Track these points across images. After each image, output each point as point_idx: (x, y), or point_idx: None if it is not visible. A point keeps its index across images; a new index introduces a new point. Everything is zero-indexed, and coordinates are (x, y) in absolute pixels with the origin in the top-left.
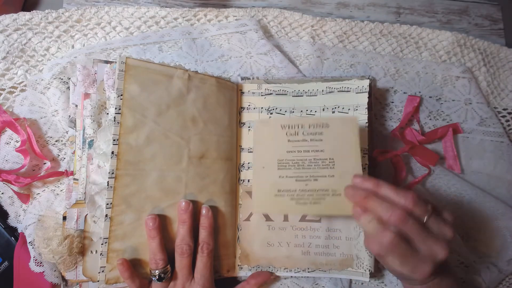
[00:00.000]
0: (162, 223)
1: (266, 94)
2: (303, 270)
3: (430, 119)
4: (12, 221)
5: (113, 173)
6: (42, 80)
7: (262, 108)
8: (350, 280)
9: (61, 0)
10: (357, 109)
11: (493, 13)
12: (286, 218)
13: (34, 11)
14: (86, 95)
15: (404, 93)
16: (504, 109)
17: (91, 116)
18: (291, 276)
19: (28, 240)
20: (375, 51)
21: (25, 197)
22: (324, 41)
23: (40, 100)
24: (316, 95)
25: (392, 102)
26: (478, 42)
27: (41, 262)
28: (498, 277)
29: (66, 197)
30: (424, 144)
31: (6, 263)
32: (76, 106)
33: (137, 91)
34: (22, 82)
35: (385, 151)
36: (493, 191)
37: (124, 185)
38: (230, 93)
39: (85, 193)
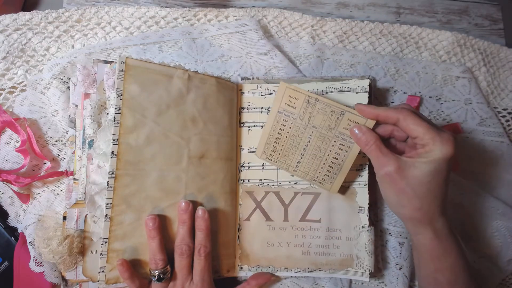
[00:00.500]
0: (162, 223)
1: (266, 94)
2: (303, 270)
3: (430, 119)
4: (12, 221)
5: (113, 173)
6: (42, 80)
7: (262, 108)
8: (350, 280)
9: (61, 0)
10: None
11: (493, 13)
12: (286, 218)
13: (34, 11)
14: (86, 95)
15: (404, 93)
16: (504, 109)
17: (91, 116)
18: (291, 276)
19: (28, 240)
20: (375, 51)
21: (25, 197)
22: (324, 41)
23: (40, 100)
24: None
25: (392, 102)
26: (478, 42)
27: (41, 262)
28: (498, 277)
29: (66, 197)
30: None
31: (6, 263)
32: (76, 106)
33: (137, 91)
34: (22, 82)
35: None
36: (493, 191)
37: (124, 185)
38: (230, 93)
39: (85, 193)
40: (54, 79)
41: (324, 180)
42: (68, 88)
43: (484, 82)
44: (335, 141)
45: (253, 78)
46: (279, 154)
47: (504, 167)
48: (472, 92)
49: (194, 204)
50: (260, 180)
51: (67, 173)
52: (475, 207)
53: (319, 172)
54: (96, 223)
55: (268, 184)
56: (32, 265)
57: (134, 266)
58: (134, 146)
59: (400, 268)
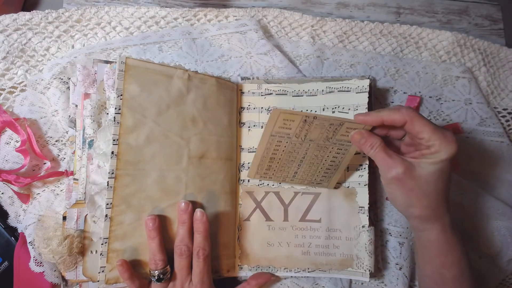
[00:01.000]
0: (162, 224)
1: (266, 94)
2: (303, 270)
3: (430, 119)
4: (12, 221)
5: (113, 173)
6: (42, 80)
7: (262, 108)
8: (350, 280)
9: (61, 0)
10: (357, 109)
11: (493, 13)
12: (286, 218)
13: (34, 11)
14: (86, 95)
15: (404, 93)
16: (504, 109)
17: (91, 116)
18: (291, 276)
19: (28, 240)
20: (375, 51)
21: (25, 197)
22: (324, 41)
23: (40, 100)
24: (316, 95)
25: (392, 102)
26: (478, 42)
27: (41, 262)
28: (498, 277)
29: (66, 197)
30: None
31: (6, 263)
32: (76, 106)
33: (137, 91)
34: (22, 82)
35: None
36: (493, 191)
37: (124, 185)
38: (230, 93)
39: (85, 193)
40: (54, 79)
41: (322, 180)
42: (68, 88)
43: (484, 82)
44: (332, 148)
45: (253, 78)
46: (274, 170)
47: (504, 167)
48: (472, 92)
49: (194, 205)
50: (260, 180)
51: (67, 173)
52: (475, 207)
53: (317, 176)
54: (96, 223)
55: (268, 184)
56: (32, 265)
57: (134, 266)
58: (134, 146)
59: (400, 268)
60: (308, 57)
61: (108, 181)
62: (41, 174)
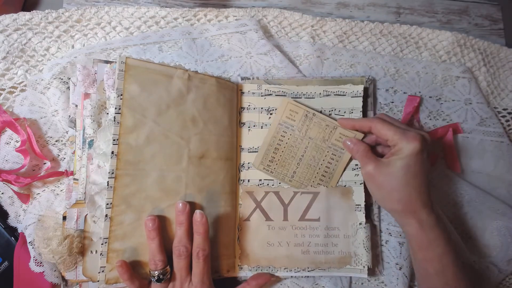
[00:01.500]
0: (162, 224)
1: (266, 95)
2: (302, 270)
3: (430, 119)
4: (12, 221)
5: (113, 173)
6: (42, 80)
7: (262, 108)
8: (350, 281)
9: (61, 0)
10: (352, 112)
11: (493, 13)
12: (286, 217)
13: (34, 11)
14: (86, 95)
15: (404, 93)
16: (504, 109)
17: (91, 116)
18: (291, 276)
19: (28, 240)
20: (375, 51)
21: (25, 197)
22: (324, 41)
23: (40, 100)
24: (314, 98)
25: (392, 102)
26: (478, 42)
27: (41, 262)
28: (498, 277)
29: (66, 197)
30: None
31: (6, 263)
32: (76, 106)
33: (137, 91)
34: (22, 82)
35: None
36: (493, 191)
37: (124, 185)
38: (230, 93)
39: (85, 193)
40: (54, 79)
41: (319, 185)
42: (68, 88)
43: (484, 82)
44: (328, 151)
45: (253, 78)
46: (276, 164)
47: (504, 167)
48: (472, 92)
49: (194, 205)
50: (260, 180)
51: (67, 173)
52: (475, 207)
53: (313, 181)
54: (96, 223)
55: (268, 184)
56: (32, 265)
57: (134, 267)
58: (134, 146)
59: (400, 268)
60: (308, 57)
61: (108, 181)
62: (41, 174)
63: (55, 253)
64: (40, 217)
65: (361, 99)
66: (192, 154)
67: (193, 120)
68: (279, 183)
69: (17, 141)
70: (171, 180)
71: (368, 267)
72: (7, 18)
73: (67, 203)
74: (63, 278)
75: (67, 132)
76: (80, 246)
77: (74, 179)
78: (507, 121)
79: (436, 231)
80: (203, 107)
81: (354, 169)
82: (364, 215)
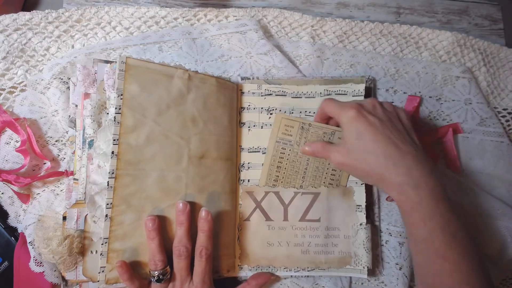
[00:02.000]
0: (162, 224)
1: (266, 95)
2: (302, 269)
3: (430, 119)
4: (12, 221)
5: (113, 173)
6: (42, 80)
7: (262, 108)
8: (350, 281)
9: (61, 0)
10: None
11: (493, 13)
12: (286, 218)
13: (34, 11)
14: (86, 95)
15: (404, 93)
16: (504, 109)
17: (91, 116)
18: (291, 276)
19: (28, 240)
20: (375, 51)
21: (25, 197)
22: (324, 41)
23: (40, 100)
24: (314, 97)
25: (392, 102)
26: (478, 42)
27: (41, 262)
28: (498, 277)
29: (66, 197)
30: (424, 144)
31: (6, 263)
32: (76, 106)
33: (137, 91)
34: (22, 82)
35: None
36: (493, 191)
37: (124, 185)
38: (230, 93)
39: (85, 193)
40: (54, 79)
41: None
42: (68, 88)
43: (484, 82)
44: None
45: (253, 78)
46: (282, 182)
47: (504, 167)
48: (472, 92)
49: (194, 205)
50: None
51: (67, 173)
52: (475, 207)
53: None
54: (96, 223)
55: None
56: (32, 265)
57: (134, 267)
58: (134, 146)
59: (400, 268)
60: (308, 57)
61: (108, 181)
62: (41, 174)
63: (55, 253)
64: (40, 217)
65: (362, 98)
66: (192, 154)
67: (193, 120)
68: None
69: (17, 141)
70: (171, 180)
71: (368, 267)
72: (7, 18)
73: (67, 203)
74: (63, 278)
75: (67, 132)
76: (80, 246)
77: (74, 179)
78: (507, 121)
79: (421, 193)
80: (203, 107)
81: None
82: (364, 215)
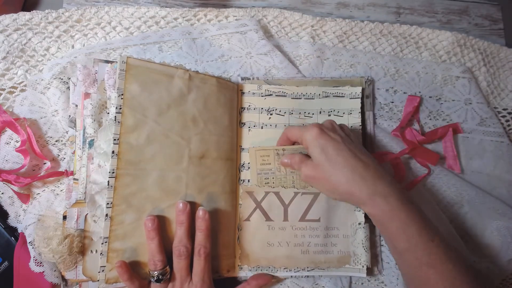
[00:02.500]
0: (162, 224)
1: (266, 95)
2: (302, 269)
3: (430, 119)
4: (12, 221)
5: (113, 172)
6: (42, 80)
7: (262, 108)
8: (350, 281)
9: (61, 0)
10: (351, 113)
11: (493, 13)
12: (286, 218)
13: (34, 11)
14: (86, 95)
15: (404, 93)
16: (504, 109)
17: (92, 115)
18: (291, 276)
19: (28, 240)
20: (375, 51)
21: (25, 197)
22: (324, 41)
23: (40, 100)
24: (313, 99)
25: (392, 102)
26: (478, 42)
27: (41, 262)
28: (498, 277)
29: (66, 197)
30: (424, 144)
31: (6, 263)
32: (76, 106)
33: (138, 91)
34: (22, 82)
35: (385, 153)
36: (493, 191)
37: (124, 184)
38: (231, 93)
39: (85, 192)
40: (54, 79)
41: None
42: (68, 88)
43: (484, 82)
44: None
45: (253, 79)
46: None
47: (504, 167)
48: (472, 92)
49: (194, 205)
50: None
51: (67, 173)
52: (475, 207)
53: None
54: (96, 223)
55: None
56: (32, 265)
57: (134, 267)
58: (134, 145)
59: None
60: (308, 57)
61: (108, 181)
62: (41, 174)
63: (55, 252)
64: (40, 217)
65: (359, 100)
66: (193, 154)
67: (194, 120)
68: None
69: (17, 141)
70: (171, 180)
71: (367, 266)
72: (7, 18)
73: (67, 203)
74: (63, 278)
75: (67, 132)
76: (80, 245)
77: (74, 179)
78: (507, 121)
79: (392, 202)
80: (204, 107)
81: None
82: (363, 215)
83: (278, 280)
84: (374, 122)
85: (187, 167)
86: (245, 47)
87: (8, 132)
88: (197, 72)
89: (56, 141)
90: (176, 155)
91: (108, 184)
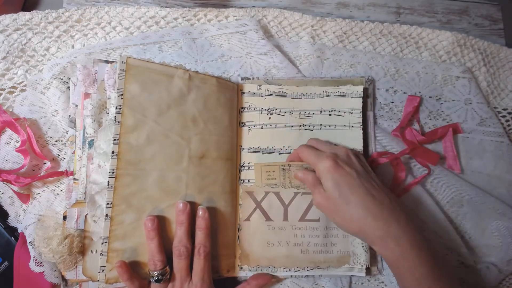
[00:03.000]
0: (162, 224)
1: (266, 95)
2: (302, 269)
3: (430, 119)
4: (12, 221)
5: (113, 172)
6: (42, 80)
7: (262, 108)
8: (350, 281)
9: (61, 0)
10: (352, 113)
11: (493, 13)
12: (285, 218)
13: (34, 11)
14: (86, 95)
15: (404, 93)
16: (504, 109)
17: (92, 115)
18: (291, 276)
19: (28, 240)
20: (375, 51)
21: (25, 197)
22: (324, 41)
23: (40, 100)
24: (314, 98)
25: (392, 102)
26: (478, 42)
27: (41, 262)
28: (498, 277)
29: (66, 197)
30: (424, 144)
31: (6, 263)
32: (76, 106)
33: (138, 91)
34: (22, 82)
35: (385, 153)
36: (493, 191)
37: (124, 184)
38: (231, 93)
39: (85, 192)
40: (54, 79)
41: None
42: (68, 88)
43: (484, 82)
44: None
45: (253, 79)
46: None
47: (504, 167)
48: (472, 92)
49: (194, 205)
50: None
51: (67, 173)
52: (475, 207)
53: None
54: (96, 223)
55: (268, 184)
56: (32, 265)
57: (133, 267)
58: (134, 145)
59: None
60: (308, 57)
61: (108, 181)
62: (41, 174)
63: (55, 252)
64: (40, 217)
65: (360, 99)
66: (193, 154)
67: (194, 120)
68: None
69: (17, 141)
70: (171, 180)
71: (366, 266)
72: (7, 18)
73: (67, 203)
74: (63, 278)
75: (67, 132)
76: (80, 245)
77: (74, 179)
78: (507, 121)
79: (403, 245)
80: (204, 107)
81: None
82: None
83: (278, 280)
84: (375, 122)
85: (187, 167)
86: (245, 47)
87: (8, 132)
88: (197, 72)
89: (56, 141)
90: (176, 155)
91: (108, 184)
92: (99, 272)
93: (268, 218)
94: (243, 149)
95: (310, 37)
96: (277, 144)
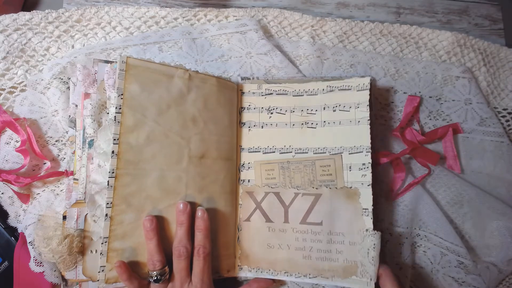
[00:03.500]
0: (162, 224)
1: (266, 94)
2: (304, 276)
3: (430, 119)
4: (12, 221)
5: (113, 172)
6: (42, 80)
7: (262, 108)
8: None
9: (61, 0)
10: (358, 107)
11: (493, 13)
12: (286, 219)
13: (34, 11)
14: (86, 95)
15: (404, 93)
16: (504, 109)
17: (92, 115)
18: (293, 282)
19: (28, 240)
20: (375, 51)
21: (25, 197)
22: (324, 41)
23: (40, 100)
24: (316, 94)
25: (392, 102)
26: (478, 42)
27: (41, 262)
28: (498, 277)
29: (66, 197)
30: (424, 144)
31: (6, 263)
32: (76, 106)
33: (138, 91)
34: (22, 82)
35: (385, 153)
36: (493, 191)
37: (124, 184)
38: (231, 93)
39: (85, 192)
40: (54, 79)
41: (320, 187)
42: (68, 88)
43: (484, 82)
44: (320, 187)
45: (253, 78)
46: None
47: (504, 167)
48: (472, 92)
49: (194, 205)
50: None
51: (67, 173)
52: (475, 207)
53: None
54: (96, 223)
55: (268, 184)
56: (32, 265)
57: (133, 267)
58: (134, 145)
59: (400, 268)
60: (308, 57)
61: (108, 181)
62: (41, 174)
63: (55, 252)
64: (40, 217)
65: (368, 92)
66: (193, 154)
67: (194, 120)
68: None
69: (17, 141)
70: (171, 180)
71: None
72: (7, 18)
73: (67, 203)
74: (63, 278)
75: (67, 132)
76: (80, 245)
77: (74, 179)
78: (507, 121)
79: None
80: (204, 107)
81: (361, 168)
82: (372, 220)
83: (282, 283)
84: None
85: (187, 167)
86: (245, 47)
87: (8, 132)
88: (197, 72)
89: (56, 141)
90: (176, 155)
91: (108, 184)
92: (99, 272)
93: (268, 219)
94: (243, 149)
95: (310, 37)
96: (277, 143)
